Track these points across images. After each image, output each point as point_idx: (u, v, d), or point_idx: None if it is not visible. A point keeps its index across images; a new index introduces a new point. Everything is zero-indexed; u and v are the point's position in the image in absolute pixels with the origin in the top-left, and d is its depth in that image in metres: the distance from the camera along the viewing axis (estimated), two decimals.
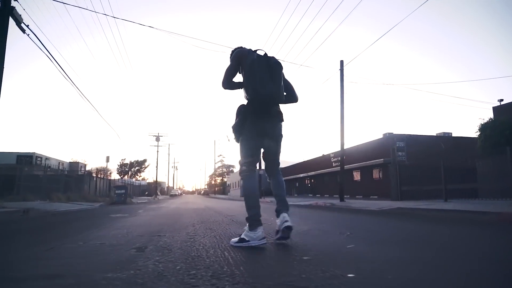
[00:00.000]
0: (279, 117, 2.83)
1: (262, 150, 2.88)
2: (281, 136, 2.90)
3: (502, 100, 15.93)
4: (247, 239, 2.56)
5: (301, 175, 39.92)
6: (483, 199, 12.22)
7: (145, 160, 72.20)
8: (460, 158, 16.04)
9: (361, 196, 26.02)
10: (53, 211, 9.54)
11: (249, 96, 2.69)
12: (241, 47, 3.00)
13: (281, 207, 2.73)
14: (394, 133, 26.71)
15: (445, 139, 24.85)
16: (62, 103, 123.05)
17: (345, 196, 27.50)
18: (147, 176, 76.63)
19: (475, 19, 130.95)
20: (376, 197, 23.84)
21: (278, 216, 2.73)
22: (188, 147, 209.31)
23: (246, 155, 2.78)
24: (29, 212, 8.64)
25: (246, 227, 2.64)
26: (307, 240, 2.94)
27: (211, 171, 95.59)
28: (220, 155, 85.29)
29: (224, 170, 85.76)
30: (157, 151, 42.97)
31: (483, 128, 13.91)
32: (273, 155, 2.91)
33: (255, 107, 2.69)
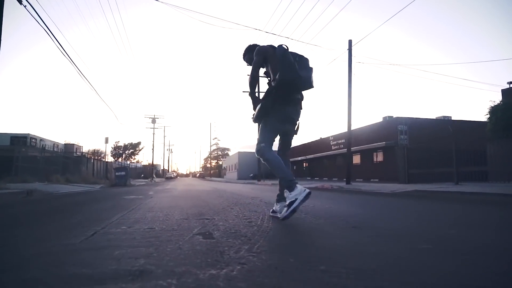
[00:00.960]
0: (300, 104, 3.09)
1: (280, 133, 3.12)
2: (299, 122, 3.15)
3: (511, 82, 15.66)
4: (293, 199, 2.68)
5: (299, 158, 39.74)
6: (493, 182, 12.08)
7: (139, 143, 71.45)
8: (465, 142, 15.85)
9: (361, 180, 25.89)
10: (57, 193, 9.14)
11: (290, 77, 2.84)
12: (256, 44, 3.28)
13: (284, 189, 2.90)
14: (394, 116, 26.50)
15: (447, 122, 24.66)
16: (56, 83, 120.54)
17: (344, 179, 27.53)
18: (141, 159, 76.12)
19: (482, 3, 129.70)
20: (377, 180, 23.77)
21: (279, 200, 3.09)
22: (183, 130, 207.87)
23: (267, 136, 3.00)
24: (33, 194, 8.24)
25: (286, 193, 2.80)
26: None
27: (206, 154, 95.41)
28: (215, 138, 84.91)
29: (219, 153, 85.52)
30: (153, 133, 42.43)
31: (494, 110, 13.66)
32: (290, 138, 3.22)
33: (287, 90, 2.90)
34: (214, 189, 10.48)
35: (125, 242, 1.87)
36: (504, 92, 15.74)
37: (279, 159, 2.94)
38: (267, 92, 2.97)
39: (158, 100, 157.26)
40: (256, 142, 3.09)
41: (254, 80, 3.08)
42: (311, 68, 3.05)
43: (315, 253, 1.66)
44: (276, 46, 3.04)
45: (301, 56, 3.04)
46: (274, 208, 3.24)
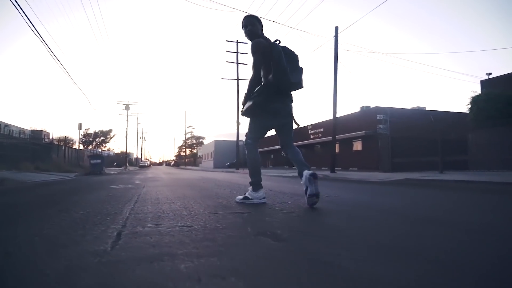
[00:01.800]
0: (290, 99, 3.20)
1: (273, 129, 3.26)
2: (292, 113, 3.22)
3: (490, 73, 16.05)
4: (250, 197, 3.12)
5: (277, 147, 39.62)
6: (474, 170, 12.32)
7: (110, 130, 69.11)
8: (444, 131, 16.08)
9: (340, 168, 26.08)
10: (31, 182, 8.40)
11: (281, 83, 2.97)
12: (256, 16, 3.31)
13: (302, 167, 3.03)
14: (371, 106, 26.78)
15: (425, 113, 25.17)
16: (20, 64, 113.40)
17: (323, 167, 27.68)
18: (113, 146, 73.63)
19: None
20: (356, 169, 24.03)
21: (301, 176, 2.97)
22: (157, 118, 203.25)
23: (255, 132, 3.22)
24: (4, 183, 7.49)
25: (250, 189, 3.17)
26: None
27: (180, 143, 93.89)
28: (190, 126, 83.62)
29: (194, 141, 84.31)
30: (127, 120, 40.96)
31: (476, 100, 13.89)
32: (288, 131, 3.25)
33: (281, 91, 3.06)
34: (202, 178, 10.04)
35: (175, 248, 1.43)
36: (483, 83, 16.08)
37: (258, 159, 3.21)
38: (258, 91, 3.08)
39: (132, 87, 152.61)
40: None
41: (255, 82, 3.12)
42: (301, 69, 3.12)
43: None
44: (272, 42, 3.07)
45: (292, 53, 3.09)
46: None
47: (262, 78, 3.12)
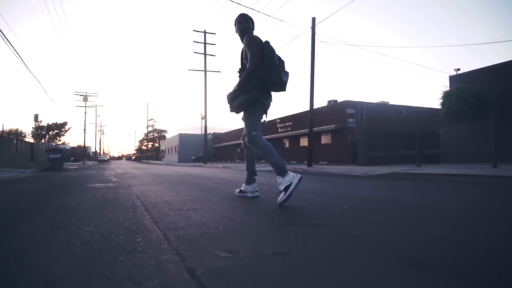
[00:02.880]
0: (271, 96, 3.30)
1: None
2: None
3: (459, 69, 16.54)
4: (289, 183, 2.77)
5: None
6: (446, 163, 12.59)
7: (65, 123, 65.02)
8: (422, 126, 16.36)
9: (306, 162, 26.17)
10: None
11: (272, 78, 3.04)
12: (249, 16, 3.31)
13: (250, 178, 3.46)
14: (338, 101, 27.06)
15: (391, 107, 25.77)
16: None
17: (292, 161, 27.64)
18: (68, 140, 69.39)
19: None
20: (325, 162, 24.17)
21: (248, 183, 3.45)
22: (116, 110, 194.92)
23: (256, 125, 3.18)
24: None
25: (280, 179, 2.87)
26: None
27: (141, 136, 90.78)
28: (152, 119, 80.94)
29: (156, 134, 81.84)
30: (85, 112, 38.57)
31: (448, 95, 14.22)
32: (262, 125, 3.30)
33: (267, 87, 3.15)
34: (181, 173, 9.33)
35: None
36: (452, 78, 16.55)
37: (271, 146, 3.07)
38: (253, 86, 3.06)
39: (91, 77, 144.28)
40: (244, 131, 3.28)
41: (255, 72, 3.02)
42: (287, 73, 3.20)
43: None
44: (264, 41, 3.10)
45: (280, 58, 3.15)
46: (242, 188, 3.52)
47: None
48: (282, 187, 2.75)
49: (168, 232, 1.77)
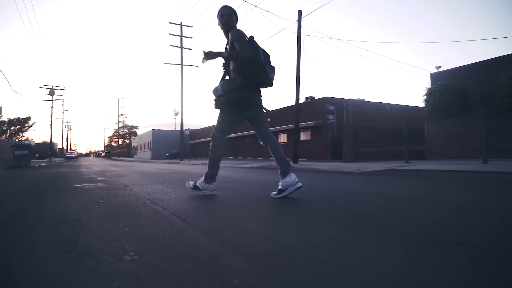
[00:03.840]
0: (259, 92, 3.18)
1: (244, 120, 3.19)
2: (262, 104, 3.21)
3: (440, 67, 16.74)
4: (201, 188, 3.20)
5: None
6: (432, 160, 12.63)
7: (28, 118, 61.48)
8: (402, 122, 16.34)
9: (288, 158, 25.89)
10: None
11: (258, 76, 2.96)
12: (234, 11, 3.20)
13: (287, 168, 2.98)
14: (316, 97, 26.98)
15: (365, 104, 25.95)
16: None
17: (270, 158, 27.27)
18: (32, 136, 65.60)
19: None
20: (305, 159, 23.99)
21: (284, 176, 2.94)
22: (84, 105, 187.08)
23: (224, 126, 3.15)
24: None
25: (202, 178, 3.20)
26: None
27: (111, 132, 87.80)
28: (122, 114, 78.36)
29: (126, 131, 79.30)
30: (52, 107, 36.46)
31: (432, 92, 14.28)
32: (261, 120, 3.21)
33: (256, 87, 3.08)
34: (165, 170, 8.66)
35: None
36: (433, 75, 16.74)
37: (220, 154, 3.18)
38: (236, 86, 2.98)
39: (57, 71, 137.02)
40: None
41: (247, 63, 2.96)
42: (274, 68, 3.13)
43: None
44: (248, 37, 3.04)
45: (264, 51, 3.07)
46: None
47: (233, 72, 3.06)
48: (196, 183, 3.21)
49: (258, 263, 1.25)
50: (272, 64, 3.13)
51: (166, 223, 1.95)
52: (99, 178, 6.02)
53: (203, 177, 3.17)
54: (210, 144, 3.19)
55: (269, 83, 3.07)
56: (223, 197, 3.20)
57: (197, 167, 12.27)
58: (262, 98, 3.22)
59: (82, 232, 1.80)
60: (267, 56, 3.08)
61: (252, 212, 2.39)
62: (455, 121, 12.17)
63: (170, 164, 18.17)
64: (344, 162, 13.97)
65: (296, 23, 14.54)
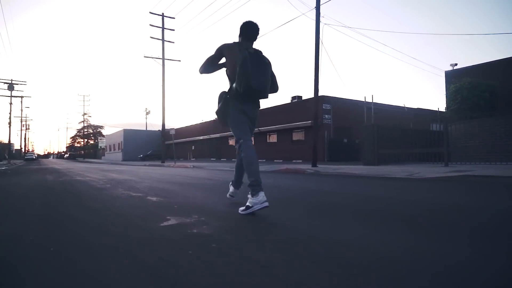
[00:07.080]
0: (257, 104, 3.11)
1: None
2: (257, 119, 3.15)
3: (456, 64, 15.86)
4: (250, 205, 2.76)
5: (200, 138, 36.31)
6: (453, 162, 11.48)
7: None
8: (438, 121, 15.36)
9: (281, 160, 24.48)
10: None
11: (241, 88, 2.80)
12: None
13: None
14: (303, 98, 25.74)
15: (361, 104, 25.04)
16: None
17: (260, 160, 25.62)
18: None
19: None
20: (300, 161, 22.56)
21: (238, 186, 3.34)
22: (42, 103, 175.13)
23: (240, 130, 3.00)
24: None
25: (249, 195, 2.78)
26: None
27: (73, 132, 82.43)
28: (85, 113, 73.52)
29: (91, 130, 74.64)
30: (10, 103, 32.68)
31: (459, 89, 13.24)
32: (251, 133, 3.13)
33: (244, 98, 2.92)
34: (169, 177, 6.72)
35: None
36: (448, 74, 15.88)
37: (255, 158, 2.90)
38: (220, 96, 3.05)
39: (14, 65, 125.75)
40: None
41: (203, 73, 3.17)
42: (270, 77, 2.97)
43: None
44: (241, 48, 2.93)
45: (263, 59, 2.91)
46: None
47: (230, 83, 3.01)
48: (247, 203, 2.75)
49: None
50: (270, 72, 2.97)
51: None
52: (107, 186, 4.02)
53: (250, 191, 2.77)
54: (242, 155, 2.95)
55: (257, 94, 2.91)
56: None
57: (200, 172, 10.36)
58: (257, 113, 3.12)
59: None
60: (263, 64, 2.89)
61: None
62: (495, 120, 11.11)
63: (153, 167, 16.00)
64: (366, 165, 12.56)
65: (314, 10, 13.00)
